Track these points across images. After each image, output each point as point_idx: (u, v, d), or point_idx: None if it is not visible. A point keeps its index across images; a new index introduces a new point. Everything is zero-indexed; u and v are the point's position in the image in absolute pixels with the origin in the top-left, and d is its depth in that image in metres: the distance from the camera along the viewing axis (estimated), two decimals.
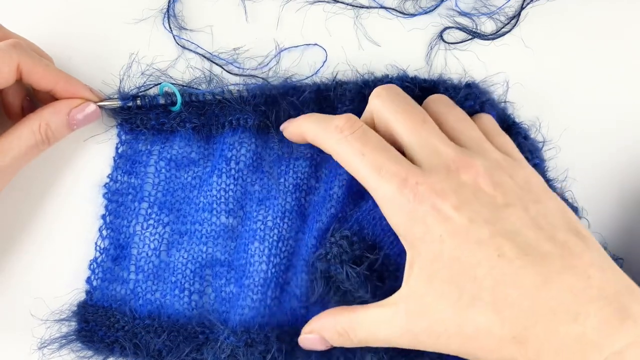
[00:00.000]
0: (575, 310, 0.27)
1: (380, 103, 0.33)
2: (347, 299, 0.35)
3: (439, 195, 0.29)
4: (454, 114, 0.35)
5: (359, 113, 0.36)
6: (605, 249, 0.37)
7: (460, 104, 0.37)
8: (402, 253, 0.32)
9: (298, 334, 0.36)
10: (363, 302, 0.34)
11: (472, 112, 0.37)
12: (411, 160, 0.32)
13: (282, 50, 0.42)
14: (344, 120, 0.33)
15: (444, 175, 0.30)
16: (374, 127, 0.34)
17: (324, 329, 0.33)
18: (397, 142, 0.33)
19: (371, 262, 0.33)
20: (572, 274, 0.27)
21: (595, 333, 0.26)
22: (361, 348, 0.34)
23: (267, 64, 0.41)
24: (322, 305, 0.36)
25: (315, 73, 0.41)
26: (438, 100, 0.35)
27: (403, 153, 0.33)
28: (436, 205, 0.29)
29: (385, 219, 0.32)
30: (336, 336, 0.33)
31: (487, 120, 0.36)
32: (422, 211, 0.29)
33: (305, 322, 0.35)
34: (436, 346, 0.29)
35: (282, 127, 0.38)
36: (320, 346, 0.34)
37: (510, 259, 0.28)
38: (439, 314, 0.29)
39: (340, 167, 0.38)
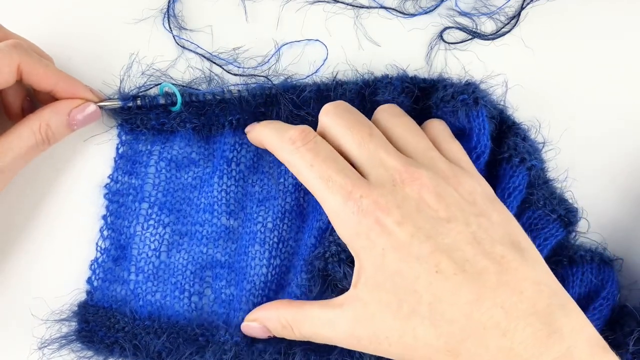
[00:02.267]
0: (505, 326, 0.28)
1: (329, 120, 0.34)
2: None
3: (382, 210, 0.30)
4: (402, 124, 0.35)
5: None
6: (605, 249, 0.38)
7: (454, 98, 0.36)
8: None
9: None
10: None
11: (465, 107, 0.36)
12: (360, 173, 0.33)
13: (283, 45, 0.42)
14: (298, 132, 0.34)
15: (389, 188, 0.31)
16: None
17: (268, 319, 0.35)
18: (346, 156, 0.34)
19: None
20: (505, 289, 0.29)
21: (523, 348, 0.28)
22: None
23: (267, 61, 0.41)
24: None
25: (316, 71, 0.41)
26: (386, 111, 0.36)
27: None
28: (379, 220, 0.30)
29: None
30: (280, 328, 0.34)
31: (437, 126, 0.37)
32: (366, 224, 0.30)
33: None
34: (378, 351, 0.31)
35: (245, 130, 0.39)
36: (262, 334, 0.35)
37: (448, 275, 0.29)
38: (382, 323, 0.30)
39: None
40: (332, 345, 0.34)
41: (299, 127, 0.34)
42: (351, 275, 0.33)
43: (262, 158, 0.39)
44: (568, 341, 0.28)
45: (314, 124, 0.37)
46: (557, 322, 0.28)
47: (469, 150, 0.37)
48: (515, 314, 0.28)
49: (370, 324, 0.30)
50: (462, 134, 0.38)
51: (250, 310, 0.36)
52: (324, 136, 0.35)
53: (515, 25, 0.42)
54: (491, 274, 0.29)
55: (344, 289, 0.34)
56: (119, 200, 0.39)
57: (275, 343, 0.36)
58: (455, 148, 0.35)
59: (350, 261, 0.34)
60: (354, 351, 0.35)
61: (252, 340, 0.36)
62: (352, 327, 0.31)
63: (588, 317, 0.35)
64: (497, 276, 0.29)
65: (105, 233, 0.39)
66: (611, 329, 0.35)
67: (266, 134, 0.36)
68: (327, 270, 0.35)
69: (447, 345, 0.29)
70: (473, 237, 0.30)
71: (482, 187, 0.33)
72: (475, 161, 0.37)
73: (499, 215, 0.32)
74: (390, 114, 0.36)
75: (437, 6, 0.43)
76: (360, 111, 0.38)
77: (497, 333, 0.28)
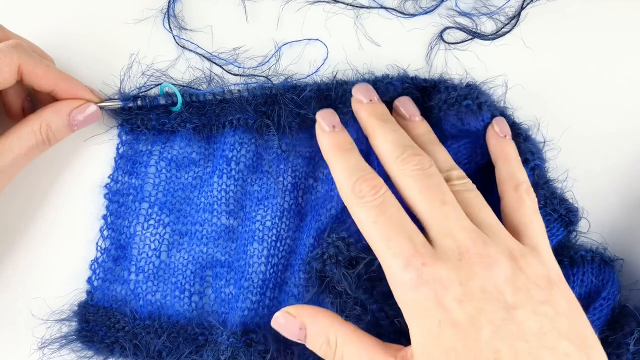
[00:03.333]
0: None
1: (406, 177, 0.33)
2: (342, 298, 0.35)
3: (443, 284, 0.29)
4: (474, 194, 0.33)
5: None
6: (605, 249, 0.38)
7: (459, 103, 0.36)
8: None
9: None
10: (358, 302, 0.34)
11: (469, 112, 0.37)
12: (427, 237, 0.31)
13: (283, 45, 0.42)
14: (369, 186, 0.32)
15: (455, 262, 0.29)
16: None
17: (313, 324, 0.32)
18: (414, 211, 0.32)
19: (367, 263, 0.34)
20: None
21: None
22: None
23: (267, 61, 0.41)
24: (317, 304, 0.36)
25: (316, 71, 0.41)
26: (458, 179, 0.34)
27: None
28: (438, 293, 0.28)
29: None
30: (321, 341, 0.32)
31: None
32: (423, 294, 0.29)
33: None
34: None
35: (317, 116, 0.37)
36: (292, 334, 0.33)
37: None
38: None
39: None
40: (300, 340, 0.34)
41: (371, 181, 0.32)
42: (349, 278, 0.33)
43: (262, 157, 0.39)
44: None
45: (314, 123, 0.37)
46: None
47: (475, 150, 0.37)
48: None
49: None
50: (464, 135, 0.38)
51: (247, 308, 0.36)
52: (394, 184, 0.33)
53: (515, 25, 0.42)
54: None
55: (341, 292, 0.34)
56: (119, 200, 0.39)
57: (275, 343, 0.36)
58: (535, 226, 0.33)
59: (348, 263, 0.34)
60: None
61: (250, 341, 0.36)
62: None
63: (588, 317, 0.35)
64: None
65: (105, 233, 0.39)
66: (611, 329, 0.35)
67: (336, 167, 0.34)
68: (325, 271, 0.35)
69: None
70: (539, 328, 0.28)
71: (549, 270, 0.31)
72: (480, 161, 0.37)
73: (566, 303, 0.30)
74: (461, 184, 0.34)
75: (437, 6, 0.43)
76: None
77: None
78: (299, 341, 0.33)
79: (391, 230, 0.30)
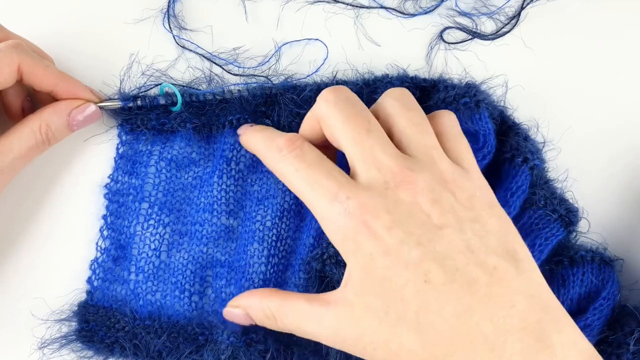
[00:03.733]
0: (493, 340, 0.27)
1: (327, 109, 0.33)
2: None
3: (371, 213, 0.29)
4: (408, 117, 0.33)
5: None
6: (605, 249, 0.38)
7: (457, 101, 0.36)
8: None
9: None
10: None
11: (467, 110, 0.37)
12: (353, 172, 0.32)
13: (283, 45, 0.42)
14: (285, 139, 0.33)
15: (380, 191, 0.30)
16: (320, 130, 0.34)
17: (251, 307, 0.34)
18: (342, 151, 0.32)
19: None
20: (495, 302, 0.28)
21: None
22: None
23: (268, 61, 0.41)
24: None
25: (316, 71, 0.41)
26: (395, 98, 0.34)
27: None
28: (367, 223, 0.29)
29: None
30: (262, 317, 0.33)
31: (446, 119, 0.34)
32: (353, 227, 0.29)
33: None
34: (362, 354, 0.30)
35: (238, 132, 0.38)
36: (243, 322, 0.35)
37: (436, 285, 0.28)
38: (367, 327, 0.29)
39: (340, 167, 0.38)
40: (330, 347, 0.34)
41: (287, 135, 0.33)
42: None
43: None
44: (560, 357, 0.27)
45: None
46: (549, 338, 0.28)
47: (475, 152, 0.37)
48: (504, 328, 0.27)
49: (355, 327, 0.30)
50: (465, 135, 0.38)
51: None
52: (321, 124, 0.33)
53: (515, 25, 0.42)
54: (482, 285, 0.28)
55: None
56: (119, 200, 0.39)
57: (275, 343, 0.36)
58: (462, 147, 0.34)
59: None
60: (351, 355, 0.35)
61: (251, 340, 0.36)
62: (338, 327, 0.30)
63: (588, 317, 0.35)
64: (488, 288, 0.28)
65: (105, 233, 0.39)
66: (611, 329, 0.35)
67: (255, 142, 0.36)
68: (325, 271, 0.35)
69: (432, 357, 0.28)
70: (466, 246, 0.29)
71: (481, 191, 0.32)
72: (480, 161, 0.37)
73: (496, 221, 0.31)
74: (399, 103, 0.33)
75: (437, 6, 0.43)
76: None
77: (485, 347, 0.27)
78: (252, 324, 0.35)
79: (313, 173, 0.31)
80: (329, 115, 0.32)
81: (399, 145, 0.32)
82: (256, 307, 0.34)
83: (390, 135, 0.33)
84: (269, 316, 0.33)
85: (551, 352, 0.27)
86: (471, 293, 0.28)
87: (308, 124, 0.34)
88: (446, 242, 0.29)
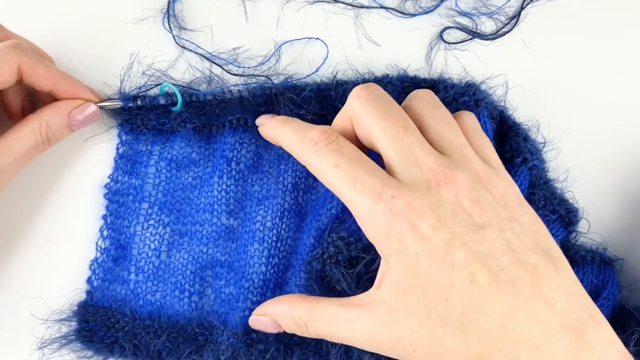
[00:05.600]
0: (538, 339, 0.28)
1: (360, 106, 0.32)
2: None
3: (417, 213, 0.29)
4: (438, 116, 0.33)
5: None
6: (605, 249, 0.38)
7: (456, 100, 0.36)
8: None
9: None
10: None
11: (466, 109, 0.37)
12: (391, 170, 0.31)
13: (283, 43, 0.42)
14: (320, 132, 0.32)
15: (423, 190, 0.30)
16: (352, 129, 0.33)
17: (280, 315, 0.33)
18: (376, 149, 0.32)
19: (367, 262, 0.33)
20: (539, 300, 0.28)
21: None
22: (358, 349, 0.34)
23: (268, 60, 0.41)
24: None
25: (316, 70, 0.41)
26: (423, 98, 0.34)
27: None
28: (413, 223, 0.29)
29: None
30: (293, 325, 0.33)
31: (469, 119, 0.35)
32: (399, 227, 0.29)
33: None
34: (401, 356, 0.30)
35: (258, 122, 0.37)
36: (272, 330, 0.34)
37: (482, 285, 0.28)
38: (407, 328, 0.29)
39: None
40: (330, 347, 0.34)
41: (320, 128, 0.32)
42: (349, 278, 0.33)
43: (262, 157, 0.40)
44: (597, 354, 0.27)
45: (314, 123, 0.37)
46: (588, 335, 0.28)
47: None
48: (548, 327, 0.28)
49: (394, 329, 0.29)
50: None
51: (248, 309, 0.36)
52: (350, 120, 0.33)
53: (515, 25, 0.42)
54: (525, 284, 0.28)
55: (342, 291, 0.34)
56: (119, 200, 0.39)
57: (275, 343, 0.36)
58: (487, 145, 0.34)
59: (348, 262, 0.34)
60: (353, 353, 0.35)
61: (251, 341, 0.36)
62: (374, 330, 0.30)
63: None
64: (531, 287, 0.28)
65: (105, 233, 0.39)
66: None
67: (285, 134, 0.34)
68: (325, 271, 0.35)
69: (477, 356, 0.28)
70: (507, 245, 0.29)
71: (512, 189, 0.32)
72: None
73: (529, 219, 0.31)
74: (427, 103, 0.33)
75: (437, 6, 0.43)
76: None
77: (530, 346, 0.27)
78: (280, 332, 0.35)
79: (354, 170, 0.30)
80: (363, 112, 0.32)
81: (432, 145, 0.32)
82: (285, 315, 0.33)
83: (422, 134, 0.32)
84: (300, 324, 0.32)
85: (589, 350, 0.27)
86: (516, 292, 0.28)
87: (339, 123, 0.34)
88: (489, 242, 0.29)
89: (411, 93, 0.34)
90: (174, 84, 0.39)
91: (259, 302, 0.36)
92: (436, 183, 0.30)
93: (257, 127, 0.38)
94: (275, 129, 0.35)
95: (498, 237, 0.29)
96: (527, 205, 0.32)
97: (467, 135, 0.33)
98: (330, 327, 0.32)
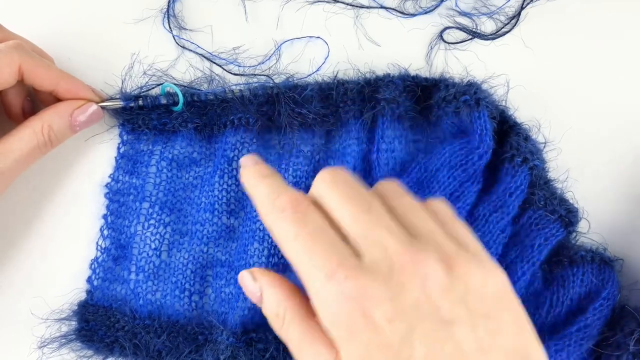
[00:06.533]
0: None
1: (324, 187, 0.30)
2: None
3: (372, 299, 0.25)
4: (406, 202, 0.30)
5: (361, 113, 0.36)
6: (605, 249, 0.38)
7: (457, 99, 0.37)
8: None
9: None
10: None
11: (467, 108, 0.36)
12: (356, 251, 0.28)
13: (283, 42, 0.42)
14: (290, 199, 0.29)
15: (385, 274, 0.26)
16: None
17: (269, 293, 0.30)
18: (342, 231, 0.29)
19: None
20: None
21: None
22: None
23: (268, 59, 0.41)
24: None
25: (317, 70, 0.41)
26: (390, 186, 0.31)
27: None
28: (366, 311, 0.25)
29: None
30: (273, 313, 0.30)
31: (440, 204, 0.31)
32: (347, 313, 0.26)
33: None
34: None
35: (242, 162, 0.33)
36: (251, 296, 0.31)
37: None
38: None
39: None
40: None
41: (292, 195, 0.29)
42: None
43: (263, 157, 0.39)
44: None
45: (314, 122, 0.37)
46: None
47: (472, 151, 0.37)
48: None
49: None
50: (464, 134, 0.38)
51: (247, 308, 0.36)
52: (317, 205, 0.30)
53: (515, 25, 0.42)
54: None
55: None
56: (120, 199, 0.40)
57: (274, 342, 0.36)
58: (463, 230, 0.30)
59: None
60: None
61: (250, 340, 0.36)
62: None
63: (588, 318, 0.35)
64: None
65: (105, 232, 0.39)
66: (611, 330, 0.35)
67: (259, 191, 0.31)
68: None
69: None
70: (478, 347, 0.26)
71: (494, 279, 0.28)
72: (477, 161, 0.37)
73: (511, 316, 0.27)
74: (394, 190, 0.31)
75: (437, 6, 0.43)
76: (361, 110, 0.38)
77: None
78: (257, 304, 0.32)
79: (314, 244, 0.27)
80: (327, 194, 0.30)
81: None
82: (275, 299, 0.30)
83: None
84: (280, 318, 0.30)
85: None
86: None
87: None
88: (456, 342, 0.25)
89: (377, 183, 0.32)
90: (175, 84, 0.39)
91: None
92: (400, 267, 0.26)
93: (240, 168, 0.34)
94: (252, 180, 0.31)
95: (467, 337, 0.26)
96: (512, 299, 0.28)
97: (441, 220, 0.30)
98: (295, 345, 0.29)
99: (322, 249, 0.27)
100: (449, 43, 0.42)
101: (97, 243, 0.39)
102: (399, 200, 0.30)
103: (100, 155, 0.40)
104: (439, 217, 0.30)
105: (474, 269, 0.27)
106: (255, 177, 0.31)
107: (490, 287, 0.27)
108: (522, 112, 0.40)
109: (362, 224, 0.28)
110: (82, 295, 0.38)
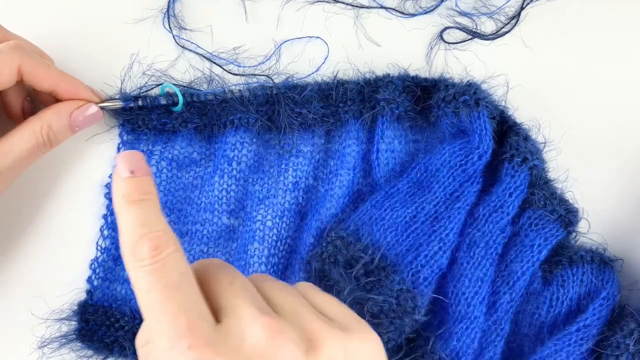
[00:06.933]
0: None
1: (201, 265, 0.28)
2: (342, 297, 0.35)
3: None
4: (272, 283, 0.29)
5: (361, 113, 0.36)
6: (605, 249, 0.38)
7: (456, 99, 0.37)
8: (399, 254, 0.32)
9: None
10: (357, 300, 0.34)
11: (466, 108, 0.36)
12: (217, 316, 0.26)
13: (283, 42, 0.42)
14: (153, 244, 0.26)
15: (235, 344, 0.24)
16: None
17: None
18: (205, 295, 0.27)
19: (366, 262, 0.34)
20: None
21: None
22: None
23: (268, 59, 0.41)
24: None
25: (317, 70, 0.41)
26: (260, 275, 0.30)
27: None
28: None
29: (383, 220, 0.32)
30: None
31: (306, 284, 0.30)
32: None
33: None
34: None
35: (115, 168, 0.28)
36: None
37: None
38: None
39: (341, 167, 0.38)
40: None
41: (155, 238, 0.26)
42: (347, 278, 0.33)
43: (263, 157, 0.40)
44: None
45: (314, 122, 0.37)
46: None
47: (471, 151, 0.37)
48: None
49: None
50: (463, 134, 0.38)
51: None
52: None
53: (515, 25, 0.42)
54: None
55: (341, 290, 0.34)
56: None
57: None
58: (331, 303, 0.29)
59: (347, 262, 0.34)
60: None
61: None
62: None
63: (588, 318, 0.35)
64: None
65: (105, 232, 0.39)
66: (611, 329, 0.35)
67: (122, 222, 0.27)
68: (324, 271, 0.35)
69: None
70: None
71: (366, 344, 0.27)
72: (477, 161, 0.37)
73: None
74: (264, 278, 0.30)
75: (437, 6, 0.43)
76: (361, 110, 0.38)
77: None
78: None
79: (166, 301, 0.25)
80: (201, 270, 0.27)
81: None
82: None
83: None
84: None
85: None
86: None
87: None
88: None
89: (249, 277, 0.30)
90: (174, 84, 0.39)
91: None
92: (252, 337, 0.24)
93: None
94: (119, 205, 0.27)
95: None
96: None
97: (306, 295, 0.29)
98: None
99: (172, 308, 0.25)
100: (449, 43, 0.42)
101: (97, 243, 0.39)
102: (268, 285, 0.28)
103: (100, 155, 0.40)
104: (305, 292, 0.29)
105: (339, 341, 0.26)
106: (123, 202, 0.27)
107: (360, 355, 0.26)
108: (522, 112, 0.40)
109: (223, 294, 0.26)
110: (82, 295, 0.38)
